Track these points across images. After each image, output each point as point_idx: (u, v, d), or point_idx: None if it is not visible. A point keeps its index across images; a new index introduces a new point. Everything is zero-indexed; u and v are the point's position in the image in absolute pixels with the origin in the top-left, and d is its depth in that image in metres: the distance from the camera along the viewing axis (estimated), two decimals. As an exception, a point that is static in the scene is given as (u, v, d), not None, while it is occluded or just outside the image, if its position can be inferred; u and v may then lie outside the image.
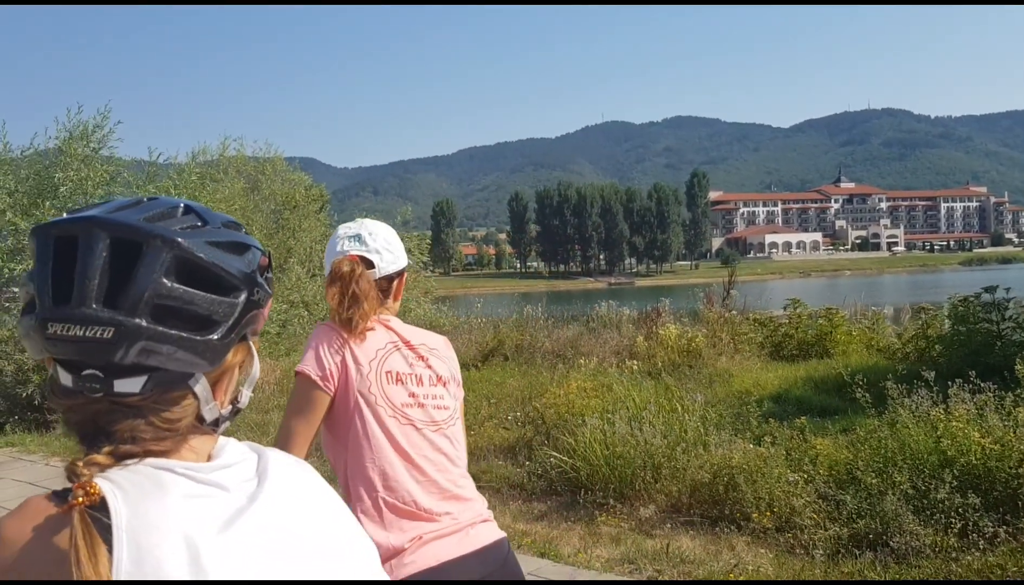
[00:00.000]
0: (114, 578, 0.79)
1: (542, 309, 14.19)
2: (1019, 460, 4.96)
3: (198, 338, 0.91)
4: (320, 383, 2.09)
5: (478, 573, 2.05)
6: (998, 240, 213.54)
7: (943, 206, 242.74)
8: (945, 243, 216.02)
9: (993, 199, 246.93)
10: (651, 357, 10.39)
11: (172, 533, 0.83)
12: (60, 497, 0.84)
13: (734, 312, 11.67)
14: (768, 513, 5.32)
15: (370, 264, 2.20)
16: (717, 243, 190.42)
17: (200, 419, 0.96)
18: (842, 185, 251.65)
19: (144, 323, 0.87)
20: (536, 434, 7.66)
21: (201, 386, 0.94)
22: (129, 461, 0.88)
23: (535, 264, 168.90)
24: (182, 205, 0.97)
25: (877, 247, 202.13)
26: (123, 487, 0.84)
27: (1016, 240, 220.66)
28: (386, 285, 2.27)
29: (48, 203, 10.09)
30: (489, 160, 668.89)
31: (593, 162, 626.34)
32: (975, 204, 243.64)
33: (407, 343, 2.22)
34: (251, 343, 1.03)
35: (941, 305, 11.29)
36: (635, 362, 10.11)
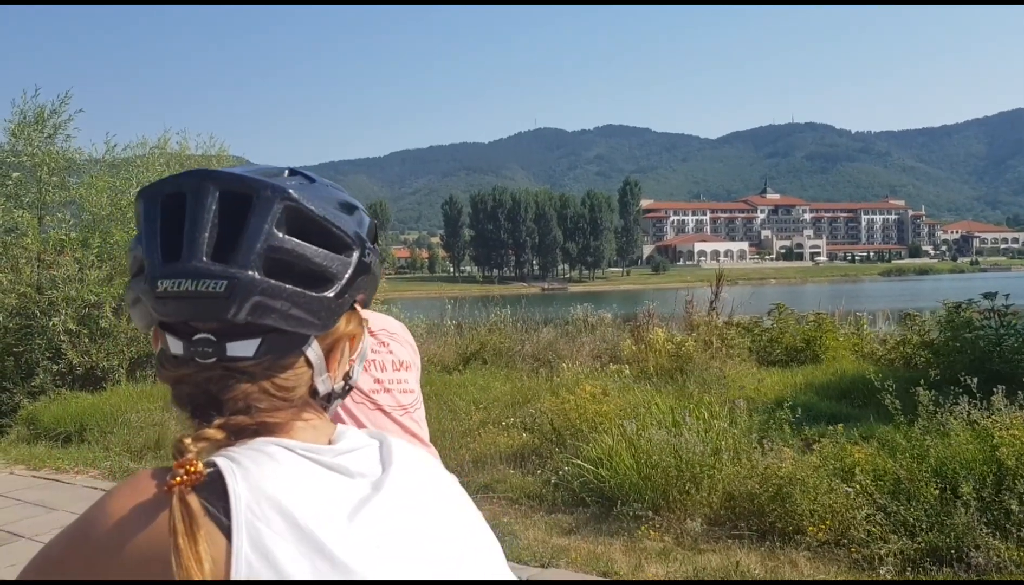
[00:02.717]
0: (233, 565, 0.73)
1: (502, 313, 13.89)
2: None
3: (313, 294, 0.86)
4: None
5: None
6: (915, 252, 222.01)
7: (864, 218, 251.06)
8: (865, 254, 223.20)
9: (911, 212, 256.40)
10: (641, 362, 10.10)
11: (296, 519, 0.77)
12: (166, 473, 0.77)
13: (721, 317, 11.47)
14: (822, 526, 5.06)
15: None
16: (648, 250, 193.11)
17: (313, 392, 0.91)
18: (768, 196, 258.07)
19: (257, 276, 0.83)
20: (544, 441, 7.29)
21: (315, 353, 0.89)
22: (245, 439, 0.83)
23: (468, 268, 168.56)
24: (288, 169, 0.93)
25: (801, 257, 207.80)
26: (243, 465, 0.78)
27: (932, 252, 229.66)
28: None
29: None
30: (421, 163, 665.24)
31: (526, 168, 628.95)
32: (894, 217, 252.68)
33: (368, 329, 2.02)
34: (361, 315, 0.97)
35: (920, 311, 11.34)
36: (625, 366, 9.83)
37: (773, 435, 6.16)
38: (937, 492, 4.89)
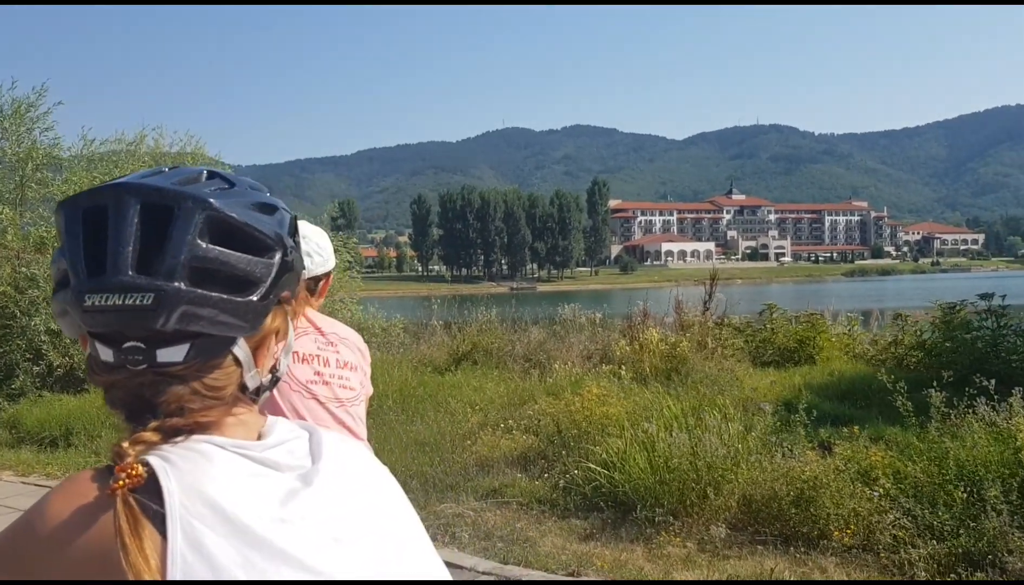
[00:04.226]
0: (169, 561, 0.76)
1: (488, 313, 13.71)
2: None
3: (239, 300, 0.89)
4: None
5: None
6: (878, 253, 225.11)
7: (827, 219, 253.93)
8: (829, 255, 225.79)
9: (874, 214, 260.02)
10: (636, 362, 10.02)
11: (228, 513, 0.80)
12: (105, 475, 0.81)
13: (715, 317, 11.42)
14: (848, 530, 4.99)
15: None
16: (616, 250, 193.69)
17: (243, 388, 0.94)
18: (733, 197, 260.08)
19: (183, 286, 0.85)
20: (549, 444, 7.17)
21: (243, 352, 0.92)
22: (179, 439, 0.86)
23: (437, 268, 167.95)
24: (205, 171, 0.95)
25: (766, 257, 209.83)
26: (175, 465, 0.81)
27: (894, 253, 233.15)
28: (312, 285, 2.51)
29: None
30: (389, 162, 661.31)
31: (494, 167, 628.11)
32: (857, 218, 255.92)
33: (318, 329, 2.44)
34: (286, 309, 1.00)
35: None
36: (621, 367, 9.74)
37: (787, 438, 6.10)
38: (965, 495, 4.85)
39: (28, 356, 9.74)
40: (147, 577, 0.74)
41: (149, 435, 0.84)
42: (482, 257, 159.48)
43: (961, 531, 4.71)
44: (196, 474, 0.81)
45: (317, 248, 2.49)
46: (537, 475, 6.72)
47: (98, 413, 8.55)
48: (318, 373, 2.35)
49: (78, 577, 0.77)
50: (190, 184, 0.90)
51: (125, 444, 0.82)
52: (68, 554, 0.77)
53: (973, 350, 8.49)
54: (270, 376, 0.99)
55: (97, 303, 0.83)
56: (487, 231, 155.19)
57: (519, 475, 6.78)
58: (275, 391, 2.23)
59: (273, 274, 0.92)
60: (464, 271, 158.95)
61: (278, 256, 0.93)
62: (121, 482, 0.78)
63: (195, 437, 0.86)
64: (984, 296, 8.77)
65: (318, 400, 2.30)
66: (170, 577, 0.76)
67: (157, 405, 0.86)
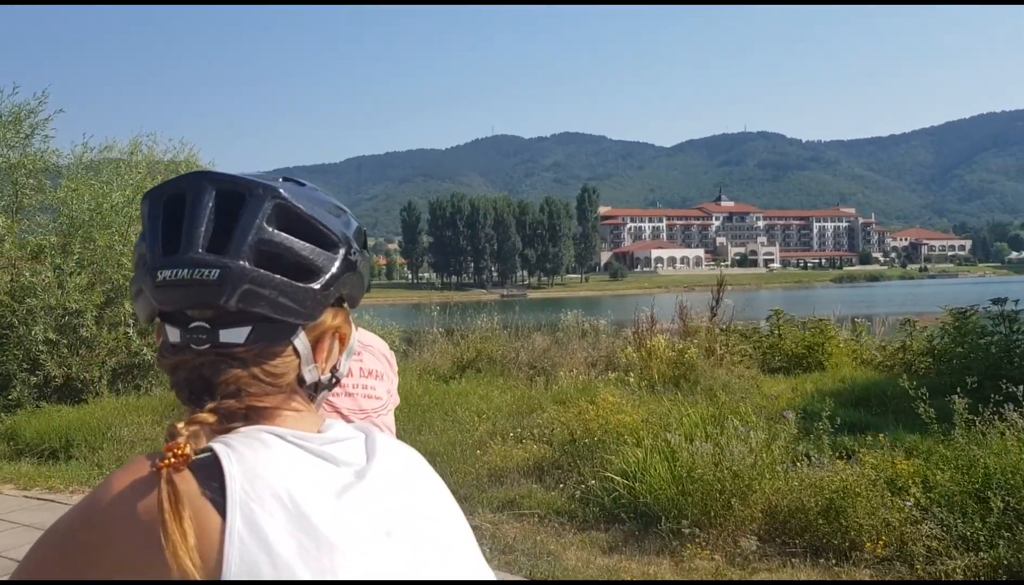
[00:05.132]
0: (227, 539, 0.78)
1: (490, 320, 13.58)
2: None
3: (300, 285, 0.92)
4: None
5: None
6: (866, 259, 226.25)
7: (815, 225, 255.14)
8: (818, 261, 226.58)
9: (861, 220, 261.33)
10: (644, 369, 9.90)
11: (285, 500, 0.82)
12: (161, 456, 0.82)
13: (723, 324, 11.32)
14: (880, 541, 4.87)
15: None
16: (606, 257, 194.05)
17: (301, 381, 0.96)
18: (722, 203, 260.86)
19: (248, 265, 0.89)
20: (564, 453, 7.04)
21: (302, 343, 0.95)
22: (240, 426, 0.89)
23: (427, 275, 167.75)
24: (282, 178, 0.99)
25: (755, 263, 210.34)
26: (238, 450, 0.84)
27: (882, 259, 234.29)
28: None
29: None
30: (378, 170, 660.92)
31: (483, 175, 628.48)
32: (844, 224, 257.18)
33: None
34: (348, 311, 1.03)
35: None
36: (629, 375, 9.63)
37: (810, 446, 5.98)
38: (1002, 505, 4.74)
39: (25, 366, 9.53)
40: (182, 554, 0.76)
41: (205, 416, 0.87)
42: (472, 264, 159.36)
43: (998, 541, 4.60)
44: (257, 460, 0.84)
45: None
46: (553, 485, 6.58)
47: (98, 425, 8.36)
48: (341, 384, 2.21)
49: (131, 549, 0.79)
50: (266, 180, 0.96)
51: (180, 424, 0.85)
52: (128, 521, 0.80)
53: (987, 356, 8.39)
54: (330, 375, 1.01)
55: (168, 278, 0.89)
56: (477, 238, 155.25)
57: (534, 486, 6.64)
58: None
59: (335, 268, 0.96)
60: (454, 278, 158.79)
61: (341, 252, 0.97)
62: (167, 461, 0.80)
63: (256, 426, 0.89)
64: (997, 301, 8.69)
65: (340, 413, 2.19)
66: (227, 557, 0.78)
67: (215, 385, 0.90)
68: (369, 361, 2.34)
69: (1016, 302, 8.65)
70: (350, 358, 1.06)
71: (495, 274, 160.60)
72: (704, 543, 5.23)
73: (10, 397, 9.37)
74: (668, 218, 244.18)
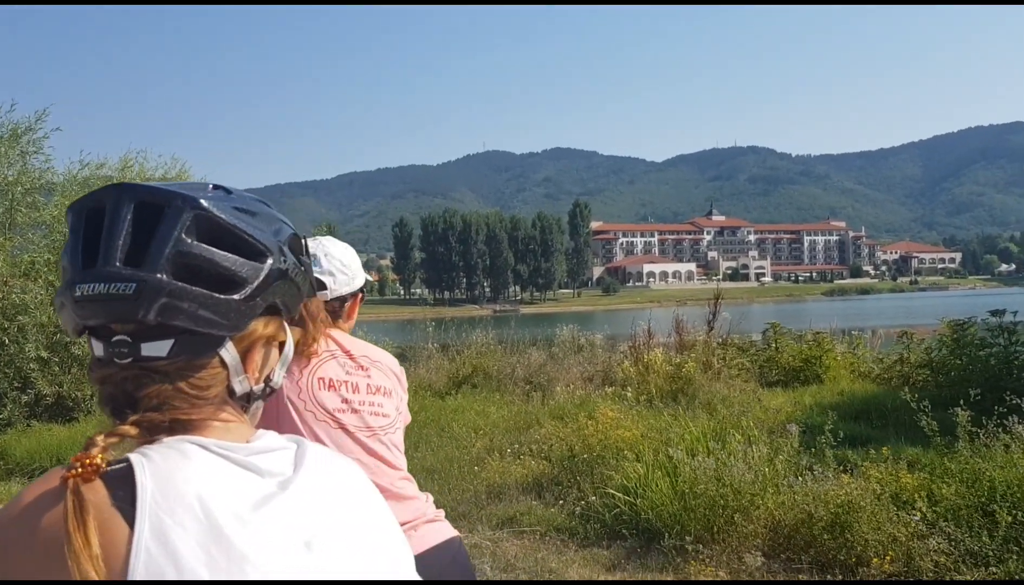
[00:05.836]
0: (133, 550, 0.78)
1: (485, 335, 13.51)
2: None
3: (221, 297, 0.91)
4: None
5: (420, 574, 1.84)
6: (856, 272, 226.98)
7: (806, 239, 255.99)
8: (809, 274, 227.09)
9: (851, 233, 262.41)
10: (642, 383, 9.85)
11: (198, 511, 0.81)
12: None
13: (720, 337, 11.28)
14: (887, 556, 4.81)
15: (322, 285, 2.24)
16: (598, 272, 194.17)
17: (231, 392, 0.96)
18: (714, 218, 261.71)
19: (165, 278, 0.88)
20: (562, 469, 6.96)
21: (229, 354, 0.94)
22: (164, 437, 0.88)
23: (419, 291, 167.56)
24: (211, 184, 0.98)
25: (746, 277, 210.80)
26: (153, 460, 0.83)
27: (872, 272, 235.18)
28: (337, 306, 2.31)
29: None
30: (369, 186, 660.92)
31: (475, 190, 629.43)
32: (835, 238, 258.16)
33: (347, 352, 2.24)
34: (283, 319, 1.02)
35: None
36: (627, 389, 9.57)
37: (813, 460, 5.92)
38: (1010, 519, 4.68)
39: (16, 384, 9.41)
40: (84, 563, 0.75)
41: (126, 429, 0.86)
42: (464, 280, 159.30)
43: (1007, 556, 4.54)
44: (172, 470, 0.83)
45: (341, 266, 2.31)
46: (552, 502, 6.51)
47: (91, 443, 8.25)
48: (346, 400, 2.16)
49: (42, 558, 0.78)
50: (190, 190, 0.94)
51: (99, 436, 0.85)
52: (35, 532, 0.79)
53: (987, 368, 8.35)
54: (263, 385, 1.01)
55: (86, 292, 0.88)
56: (469, 254, 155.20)
57: (534, 502, 6.57)
58: (299, 420, 2.10)
59: (260, 278, 0.94)
60: (447, 294, 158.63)
61: (268, 262, 0.96)
62: (74, 471, 0.80)
63: (179, 436, 0.89)
64: (995, 312, 8.67)
65: (346, 430, 2.12)
66: (132, 567, 0.77)
67: (139, 399, 0.89)
68: (377, 377, 2.27)
69: (1015, 314, 8.62)
70: (285, 366, 1.05)
71: (488, 289, 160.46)
72: (708, 559, 5.16)
73: (1, 416, 9.26)
74: (660, 233, 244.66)
